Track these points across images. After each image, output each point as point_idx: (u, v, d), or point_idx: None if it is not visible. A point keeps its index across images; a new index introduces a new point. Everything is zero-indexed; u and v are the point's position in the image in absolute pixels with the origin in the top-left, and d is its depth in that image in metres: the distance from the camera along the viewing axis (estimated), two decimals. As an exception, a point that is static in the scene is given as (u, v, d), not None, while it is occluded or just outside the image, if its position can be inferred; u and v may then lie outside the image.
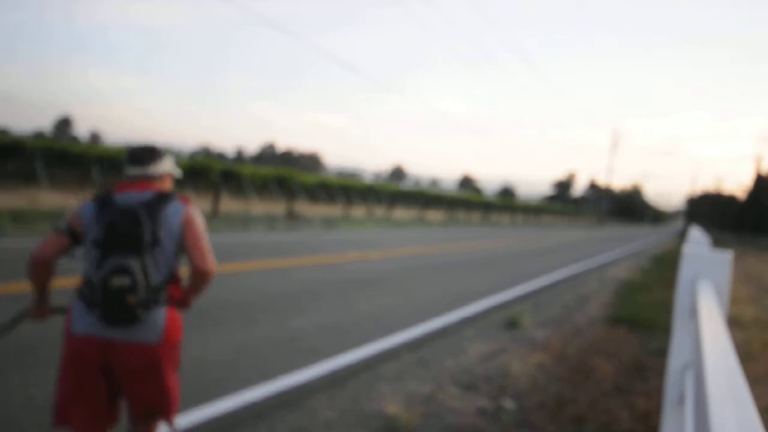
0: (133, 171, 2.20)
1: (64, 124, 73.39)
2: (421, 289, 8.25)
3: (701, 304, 2.22)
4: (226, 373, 3.94)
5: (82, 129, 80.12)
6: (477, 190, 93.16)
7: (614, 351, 5.59)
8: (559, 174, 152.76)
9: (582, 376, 4.68)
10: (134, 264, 1.98)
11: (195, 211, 2.21)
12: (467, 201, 42.02)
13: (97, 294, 1.98)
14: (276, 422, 3.29)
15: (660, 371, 4.49)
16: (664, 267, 15.07)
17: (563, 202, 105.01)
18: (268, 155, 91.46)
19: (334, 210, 24.75)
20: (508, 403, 3.92)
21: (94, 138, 67.60)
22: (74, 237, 2.09)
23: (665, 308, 6.95)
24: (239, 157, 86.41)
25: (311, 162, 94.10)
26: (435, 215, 33.87)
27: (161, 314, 2.08)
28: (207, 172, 21.11)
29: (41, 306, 2.24)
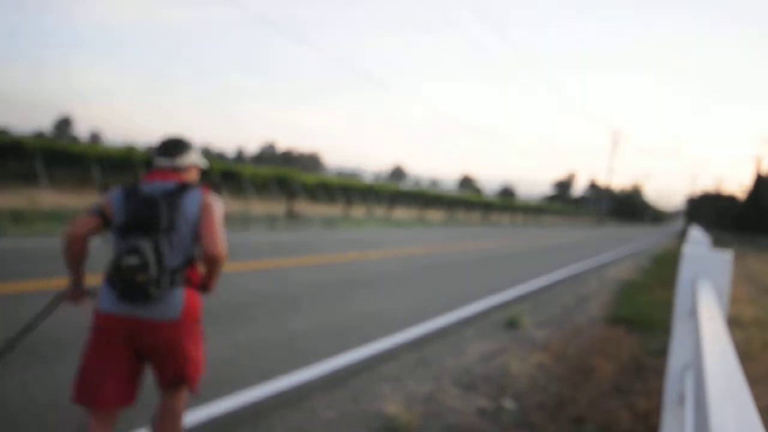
0: (161, 162, 2.33)
1: (64, 124, 73.36)
2: (421, 289, 8.25)
3: (701, 304, 2.22)
4: (226, 373, 3.94)
5: (82, 129, 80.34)
6: (477, 190, 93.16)
7: (614, 351, 5.58)
8: (559, 174, 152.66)
9: (582, 376, 4.67)
10: (145, 245, 2.09)
11: (213, 199, 2.30)
12: (467, 201, 42.02)
13: (113, 273, 2.11)
14: (276, 422, 3.29)
15: (660, 371, 4.48)
16: (664, 267, 15.06)
17: (563, 202, 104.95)
18: (268, 155, 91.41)
19: (334, 210, 24.77)
20: (508, 403, 3.92)
21: (94, 138, 67.57)
22: (105, 219, 2.23)
23: (665, 308, 6.95)
24: (239, 157, 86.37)
25: (311, 162, 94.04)
26: (435, 215, 33.87)
27: (179, 294, 2.20)
28: (207, 172, 21.09)
29: (77, 289, 2.35)
